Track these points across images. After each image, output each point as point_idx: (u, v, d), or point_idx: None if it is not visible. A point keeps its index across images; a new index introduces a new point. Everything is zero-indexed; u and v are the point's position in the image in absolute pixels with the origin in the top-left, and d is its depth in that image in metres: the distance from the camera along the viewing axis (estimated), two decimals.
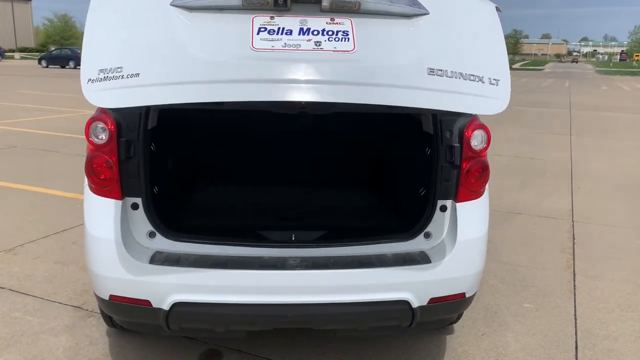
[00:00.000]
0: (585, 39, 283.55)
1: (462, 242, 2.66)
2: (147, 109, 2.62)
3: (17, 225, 5.25)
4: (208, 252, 2.60)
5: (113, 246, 2.49)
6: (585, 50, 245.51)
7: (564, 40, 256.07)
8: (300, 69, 2.22)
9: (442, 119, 2.71)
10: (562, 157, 9.65)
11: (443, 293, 2.63)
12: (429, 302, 2.59)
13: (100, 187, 2.56)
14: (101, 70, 2.11)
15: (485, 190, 2.79)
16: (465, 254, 2.68)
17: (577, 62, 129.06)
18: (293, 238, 2.75)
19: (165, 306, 2.47)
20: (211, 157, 4.26)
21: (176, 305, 2.47)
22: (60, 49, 46.76)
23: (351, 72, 2.23)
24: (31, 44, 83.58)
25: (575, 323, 3.69)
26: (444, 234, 2.73)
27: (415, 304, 2.56)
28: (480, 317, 3.71)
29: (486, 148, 2.71)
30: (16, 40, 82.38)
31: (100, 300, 2.63)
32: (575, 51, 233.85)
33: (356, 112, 3.99)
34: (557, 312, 3.83)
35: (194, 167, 4.06)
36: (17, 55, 62.78)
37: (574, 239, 5.39)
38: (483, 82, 2.27)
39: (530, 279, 4.37)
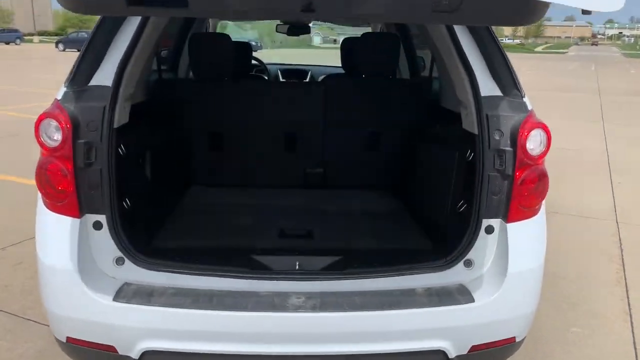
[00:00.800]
0: (610, 21, 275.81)
1: (514, 274, 2.08)
2: (114, 101, 2.07)
3: (5, 225, 4.78)
4: (189, 285, 2.07)
5: (68, 277, 1.98)
6: (610, 32, 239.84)
7: (589, 23, 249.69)
8: None
9: (488, 115, 2.12)
10: (596, 147, 8.94)
11: (488, 339, 2.08)
12: (469, 351, 2.05)
13: (55, 202, 2.04)
14: None
15: (542, 207, 2.21)
16: (518, 288, 2.10)
17: (597, 44, 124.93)
18: (297, 267, 2.18)
19: (134, 354, 1.96)
20: (197, 162, 3.57)
21: (148, 354, 1.96)
22: (77, 32, 46.52)
23: None
24: (50, 27, 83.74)
25: (636, 354, 3.11)
26: (490, 262, 2.16)
27: (452, 353, 2.02)
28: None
29: (545, 153, 2.11)
30: (35, 24, 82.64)
31: (57, 341, 2.12)
32: (599, 34, 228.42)
33: (376, 97, 3.37)
34: (612, 339, 3.26)
35: (174, 174, 3.35)
36: (35, 39, 62.89)
37: (621, 244, 4.78)
38: None
39: (576, 295, 3.79)
